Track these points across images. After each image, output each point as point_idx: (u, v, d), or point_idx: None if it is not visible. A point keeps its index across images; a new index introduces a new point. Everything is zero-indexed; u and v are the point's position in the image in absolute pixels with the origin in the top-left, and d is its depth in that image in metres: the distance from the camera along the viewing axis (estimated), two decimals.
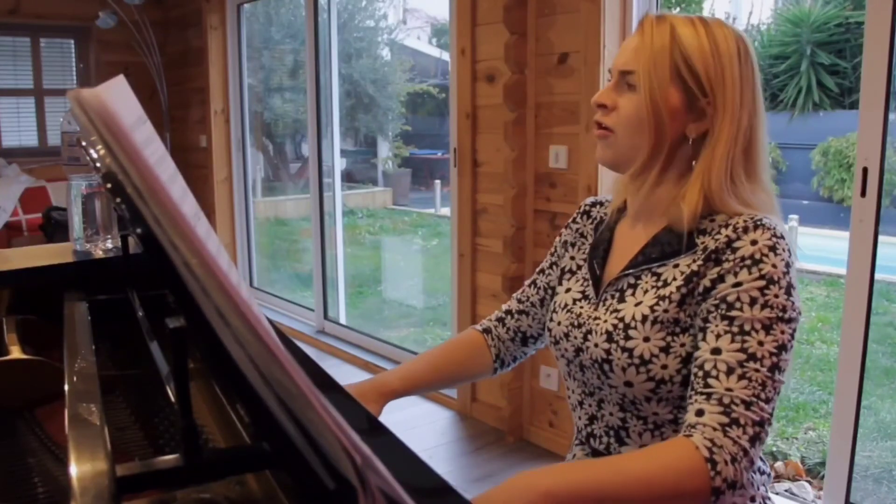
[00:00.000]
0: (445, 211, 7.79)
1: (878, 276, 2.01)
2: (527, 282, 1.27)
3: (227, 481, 0.81)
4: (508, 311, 1.25)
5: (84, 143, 0.78)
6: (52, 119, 5.22)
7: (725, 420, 0.87)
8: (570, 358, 1.09)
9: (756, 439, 0.88)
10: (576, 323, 1.08)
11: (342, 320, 4.31)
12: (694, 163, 1.00)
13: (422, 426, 3.09)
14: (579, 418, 1.11)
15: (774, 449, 3.07)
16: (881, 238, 1.97)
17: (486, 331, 1.26)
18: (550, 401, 2.86)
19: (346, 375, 3.65)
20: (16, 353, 1.08)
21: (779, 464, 2.80)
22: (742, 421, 0.87)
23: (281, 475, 0.79)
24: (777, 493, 2.52)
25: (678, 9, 8.14)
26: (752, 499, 1.01)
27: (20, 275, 1.32)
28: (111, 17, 4.62)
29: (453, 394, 3.27)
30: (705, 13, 8.50)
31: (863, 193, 1.96)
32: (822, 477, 2.35)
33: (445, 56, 8.63)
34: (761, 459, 1.06)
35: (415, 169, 9.93)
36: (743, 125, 0.97)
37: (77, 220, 1.49)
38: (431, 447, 2.92)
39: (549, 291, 1.22)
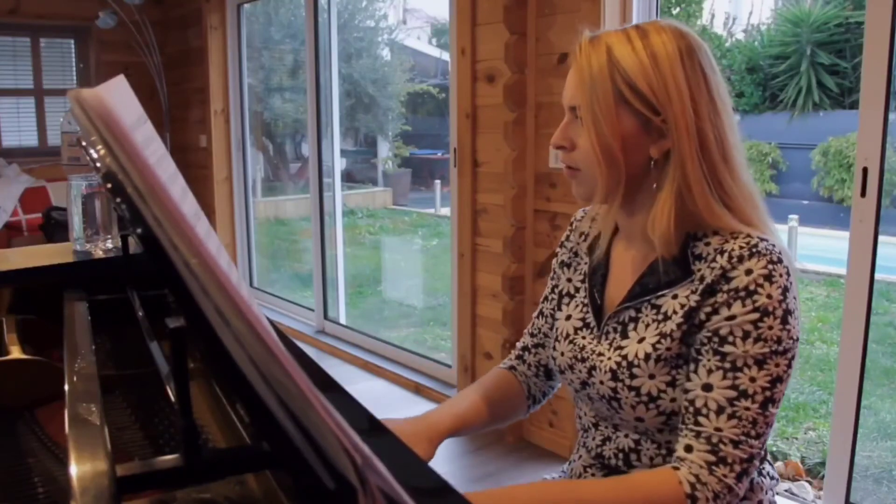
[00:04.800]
0: (445, 211, 7.79)
1: (878, 276, 2.01)
2: (534, 313, 1.23)
3: (227, 481, 0.81)
4: (525, 348, 1.22)
5: (84, 143, 0.78)
6: (52, 119, 5.22)
7: (713, 459, 0.87)
8: (577, 388, 1.08)
9: (743, 475, 0.88)
10: (579, 356, 1.05)
11: (342, 320, 4.31)
12: (654, 186, 0.96)
13: None
14: (592, 439, 1.08)
15: (774, 449, 3.07)
16: (881, 238, 1.97)
17: (512, 368, 1.22)
18: (550, 401, 2.86)
19: (346, 375, 3.65)
20: (16, 353, 1.08)
21: (779, 464, 2.80)
22: (729, 460, 0.87)
23: (281, 475, 0.79)
24: (777, 493, 2.52)
25: (678, 9, 8.14)
26: (760, 503, 1.01)
27: (20, 275, 1.32)
28: (111, 17, 4.61)
29: (453, 393, 3.27)
30: (705, 13, 8.51)
31: (863, 193, 1.96)
32: (822, 477, 2.35)
33: (445, 56, 8.63)
34: (769, 463, 1.06)
35: (415, 169, 9.93)
36: (707, 134, 0.92)
37: (77, 220, 1.49)
38: None
39: (555, 315, 1.17)
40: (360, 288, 6.16)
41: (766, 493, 1.02)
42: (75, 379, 0.85)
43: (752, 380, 0.88)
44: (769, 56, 7.83)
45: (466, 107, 2.96)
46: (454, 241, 3.16)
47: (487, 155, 2.93)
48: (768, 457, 1.06)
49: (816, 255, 6.20)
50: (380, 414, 0.84)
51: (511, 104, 2.74)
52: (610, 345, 1.01)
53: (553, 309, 1.17)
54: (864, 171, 1.94)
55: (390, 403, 3.33)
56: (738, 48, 8.13)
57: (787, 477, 2.70)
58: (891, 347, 4.38)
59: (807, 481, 2.64)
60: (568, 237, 1.19)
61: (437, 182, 8.80)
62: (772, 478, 1.04)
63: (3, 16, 4.82)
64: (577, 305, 1.10)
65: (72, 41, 5.30)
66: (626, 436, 1.02)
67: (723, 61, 7.95)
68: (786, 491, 2.55)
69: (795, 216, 6.28)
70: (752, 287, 0.89)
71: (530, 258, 2.84)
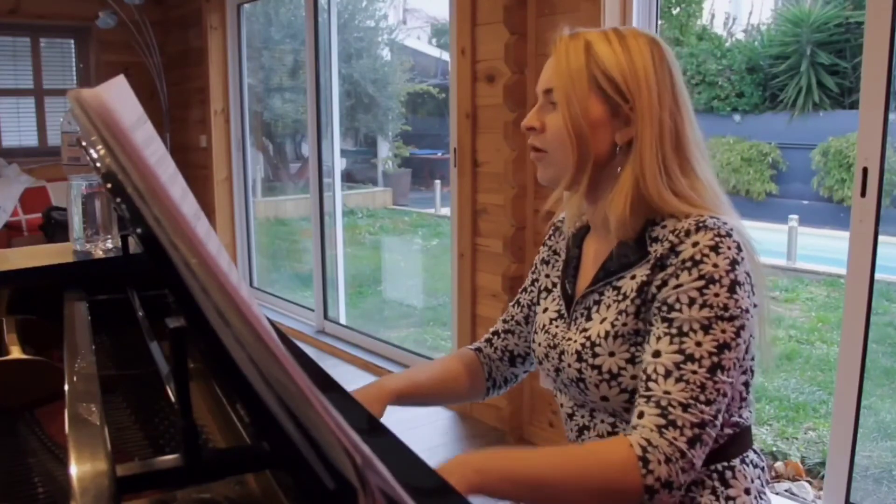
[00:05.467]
0: (445, 211, 7.79)
1: (878, 276, 2.01)
2: (511, 302, 1.28)
3: (227, 481, 0.81)
4: (495, 332, 1.26)
5: (84, 143, 0.78)
6: (52, 119, 5.22)
7: (662, 422, 0.89)
8: (553, 377, 1.11)
9: (696, 441, 0.89)
10: (552, 343, 1.10)
11: (342, 320, 4.32)
12: (619, 170, 1.01)
13: (422, 426, 3.09)
14: (571, 430, 1.12)
15: (774, 449, 3.07)
16: (881, 238, 1.97)
17: (478, 350, 1.27)
18: (550, 401, 2.86)
19: (346, 375, 3.65)
20: (16, 353, 1.08)
21: (779, 464, 2.80)
22: (679, 423, 0.88)
23: (281, 475, 0.79)
24: (777, 493, 2.52)
25: (678, 9, 8.15)
26: (747, 491, 1.01)
27: (20, 275, 1.32)
28: (111, 17, 4.62)
29: None
30: (705, 13, 8.51)
31: (863, 193, 1.96)
32: (822, 477, 2.35)
33: (445, 56, 8.64)
34: (755, 453, 1.06)
35: (415, 169, 9.94)
36: (666, 125, 0.98)
37: (77, 220, 1.49)
38: (431, 447, 2.92)
39: (533, 309, 1.23)
40: (360, 288, 6.16)
41: (754, 483, 1.02)
42: (75, 379, 0.85)
43: (699, 344, 0.91)
44: (769, 56, 7.83)
45: (466, 107, 2.96)
46: (454, 241, 3.16)
47: (487, 155, 2.93)
48: (753, 445, 1.06)
49: (816, 255, 6.19)
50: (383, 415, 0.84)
51: (511, 104, 2.74)
52: (577, 329, 1.06)
53: (530, 301, 1.23)
54: (864, 171, 1.94)
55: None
56: (738, 48, 8.13)
57: (787, 477, 2.70)
58: (891, 347, 4.38)
59: (807, 481, 2.64)
60: (550, 236, 1.24)
61: (437, 182, 8.80)
62: (756, 466, 1.04)
63: (3, 16, 4.83)
64: (553, 299, 1.15)
65: (72, 41, 5.30)
66: (602, 421, 1.05)
67: (723, 61, 7.95)
68: (786, 491, 2.55)
69: (795, 216, 6.28)
70: (697, 257, 0.93)
71: (530, 258, 2.84)
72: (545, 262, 1.22)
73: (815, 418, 3.46)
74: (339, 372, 3.69)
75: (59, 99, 5.21)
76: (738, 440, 1.02)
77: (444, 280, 5.78)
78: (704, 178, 1.01)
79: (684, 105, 1.02)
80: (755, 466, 1.04)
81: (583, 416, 1.08)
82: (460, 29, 2.95)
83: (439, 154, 9.29)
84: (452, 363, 1.23)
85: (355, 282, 6.15)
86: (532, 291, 1.24)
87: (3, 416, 1.03)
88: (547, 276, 1.20)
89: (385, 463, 0.43)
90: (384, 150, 9.61)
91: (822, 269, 5.84)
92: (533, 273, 1.25)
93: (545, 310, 1.15)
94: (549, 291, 1.17)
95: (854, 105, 6.82)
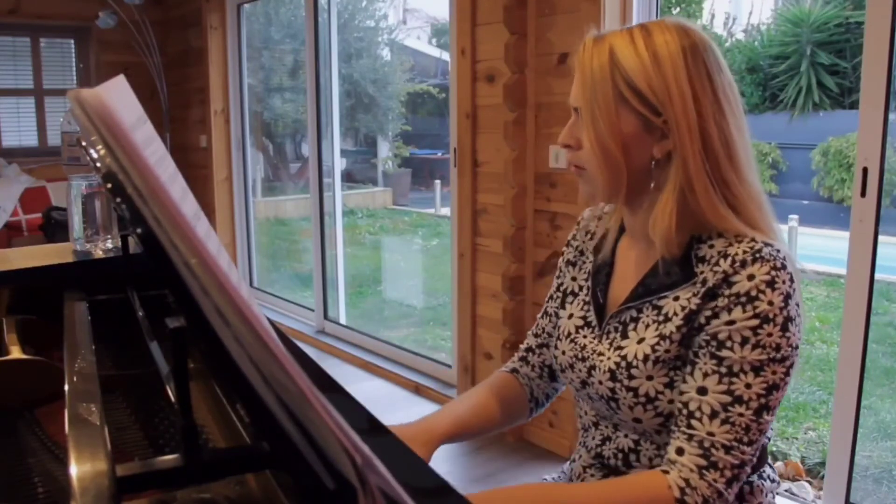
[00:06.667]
0: (445, 211, 7.79)
1: (878, 276, 2.01)
2: (538, 314, 1.22)
3: (227, 481, 0.81)
4: (529, 349, 1.21)
5: (84, 143, 0.78)
6: (52, 119, 5.22)
7: (703, 463, 0.87)
8: (577, 387, 1.07)
9: (734, 480, 0.88)
10: (580, 355, 1.05)
11: (342, 320, 4.31)
12: (652, 185, 0.96)
13: None
14: (592, 438, 1.08)
15: (774, 449, 3.07)
16: (881, 238, 1.97)
17: (514, 371, 1.21)
18: None
19: (346, 375, 3.65)
20: (16, 353, 1.08)
21: (779, 464, 2.80)
22: (721, 465, 0.87)
23: (281, 475, 0.79)
24: (777, 494, 2.52)
25: (678, 9, 8.14)
26: None
27: (20, 275, 1.32)
28: (111, 17, 4.62)
29: (453, 393, 3.27)
30: (705, 13, 8.51)
31: (863, 193, 1.96)
32: (822, 477, 2.35)
33: (445, 56, 8.63)
34: (769, 466, 1.06)
35: (415, 169, 9.93)
36: (711, 134, 0.91)
37: (77, 220, 1.49)
38: None
39: (559, 313, 1.17)
40: (360, 288, 6.16)
41: (767, 496, 1.02)
42: (75, 379, 0.85)
43: (748, 386, 0.88)
44: (769, 56, 7.83)
45: (466, 107, 2.96)
46: (454, 241, 3.16)
47: (487, 155, 2.93)
48: (769, 459, 1.06)
49: (816, 255, 6.19)
50: (380, 414, 0.84)
51: (511, 104, 2.74)
52: (610, 344, 1.01)
53: (557, 308, 1.17)
54: (864, 171, 1.94)
55: (390, 403, 3.33)
56: (738, 48, 8.13)
57: (787, 477, 2.70)
58: (891, 347, 4.38)
59: (807, 481, 2.64)
60: (574, 236, 1.18)
61: (437, 182, 8.80)
62: (772, 480, 1.04)
63: (3, 16, 4.83)
64: (579, 304, 1.10)
65: (72, 41, 5.30)
66: (626, 436, 1.02)
67: None
68: (786, 491, 2.55)
69: (795, 216, 6.28)
70: (753, 293, 0.88)
71: (530, 258, 2.84)
72: (571, 263, 1.16)
73: (815, 418, 3.46)
74: (339, 372, 3.69)
75: (59, 99, 5.21)
76: (759, 457, 1.01)
77: (444, 280, 5.78)
78: (756, 186, 0.95)
79: (729, 106, 0.93)
80: (772, 481, 1.04)
81: (606, 428, 1.05)
82: (460, 29, 2.95)
83: (439, 154, 9.29)
84: (493, 393, 1.16)
85: (355, 282, 6.15)
86: (558, 297, 1.17)
87: (3, 416, 1.03)
88: (573, 278, 1.14)
89: (385, 463, 0.43)
90: (384, 150, 9.61)
91: (821, 269, 5.83)
92: (558, 278, 1.18)
93: (570, 315, 1.10)
94: (574, 295, 1.12)
95: (854, 105, 6.82)
